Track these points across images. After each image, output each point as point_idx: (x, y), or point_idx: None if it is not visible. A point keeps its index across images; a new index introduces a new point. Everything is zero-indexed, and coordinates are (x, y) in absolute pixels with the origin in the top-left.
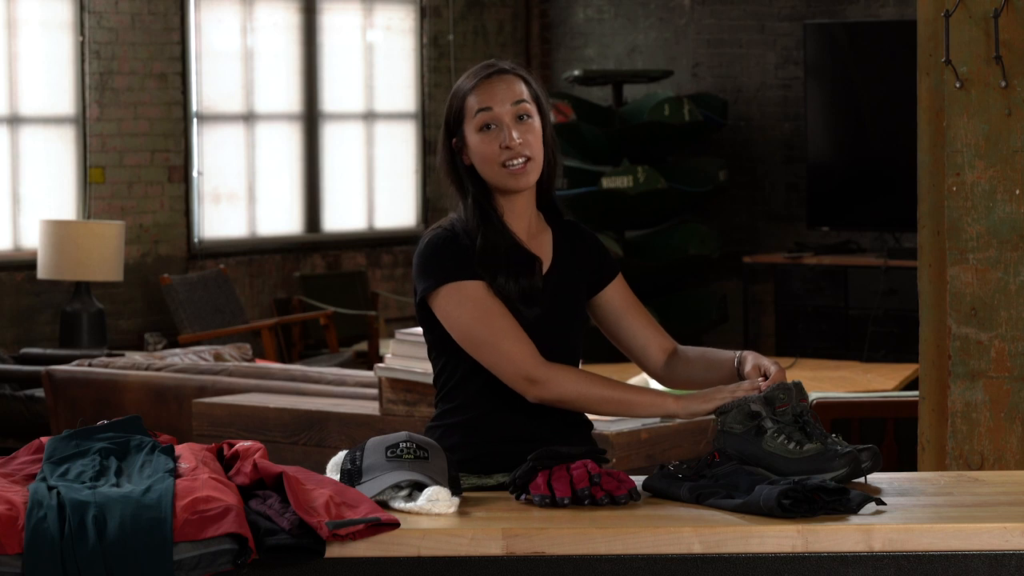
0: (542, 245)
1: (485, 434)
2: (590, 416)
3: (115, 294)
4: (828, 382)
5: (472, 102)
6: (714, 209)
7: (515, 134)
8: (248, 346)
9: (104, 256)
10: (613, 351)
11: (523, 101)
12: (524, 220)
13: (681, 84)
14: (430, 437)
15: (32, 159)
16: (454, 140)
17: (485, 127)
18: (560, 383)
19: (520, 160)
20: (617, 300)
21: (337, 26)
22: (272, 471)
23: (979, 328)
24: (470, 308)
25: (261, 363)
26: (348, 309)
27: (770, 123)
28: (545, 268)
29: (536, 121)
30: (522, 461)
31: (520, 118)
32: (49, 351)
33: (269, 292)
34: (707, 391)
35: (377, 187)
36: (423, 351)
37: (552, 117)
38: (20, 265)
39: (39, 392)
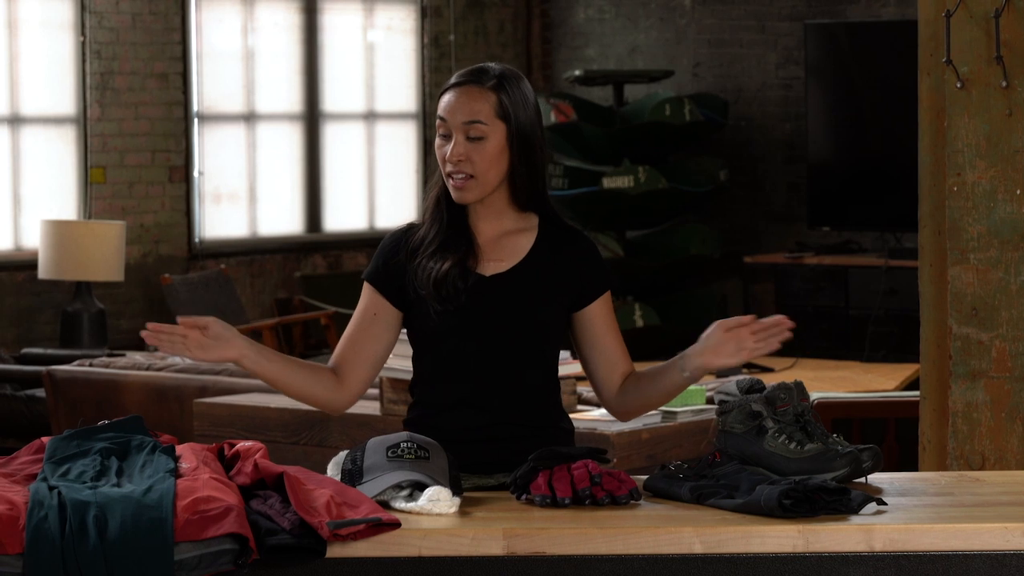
0: (515, 244)
1: (428, 434)
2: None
3: (116, 294)
4: (829, 382)
5: (440, 103)
6: (715, 209)
7: (459, 150)
8: None
9: (105, 256)
10: None
11: (476, 122)
12: (491, 216)
13: (682, 84)
14: None
15: (33, 159)
16: None
17: (441, 133)
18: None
19: (460, 176)
20: (598, 320)
21: (338, 26)
22: (273, 471)
23: (980, 328)
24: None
25: None
26: (349, 309)
27: (771, 123)
28: (510, 265)
29: (490, 142)
30: (468, 461)
31: (470, 137)
32: (50, 351)
33: (270, 292)
34: None
35: (378, 187)
36: None
37: (552, 117)
38: (21, 265)
39: (40, 392)
